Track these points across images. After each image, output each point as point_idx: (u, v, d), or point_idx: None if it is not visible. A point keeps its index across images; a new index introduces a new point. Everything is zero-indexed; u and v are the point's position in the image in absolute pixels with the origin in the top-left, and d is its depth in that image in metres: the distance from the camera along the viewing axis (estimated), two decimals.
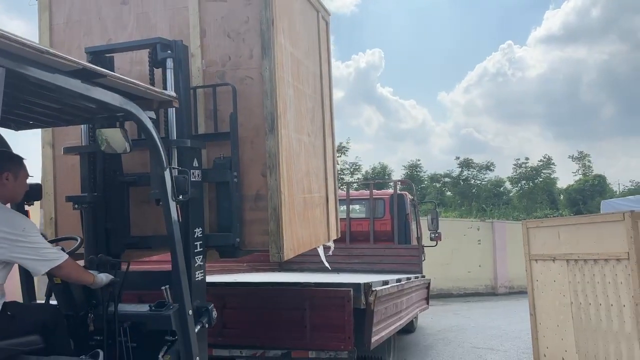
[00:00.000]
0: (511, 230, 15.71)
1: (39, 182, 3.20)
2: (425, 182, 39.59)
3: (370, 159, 62.72)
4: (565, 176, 60.53)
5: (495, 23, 67.26)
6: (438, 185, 39.35)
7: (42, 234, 2.65)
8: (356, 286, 3.95)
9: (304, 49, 4.11)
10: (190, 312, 2.75)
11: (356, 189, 10.05)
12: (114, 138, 2.50)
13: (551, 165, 37.35)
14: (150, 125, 2.55)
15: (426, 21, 70.40)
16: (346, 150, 28.74)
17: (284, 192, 3.33)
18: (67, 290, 2.73)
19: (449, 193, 39.84)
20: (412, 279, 6.35)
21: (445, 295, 14.47)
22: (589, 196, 32.06)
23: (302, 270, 6.97)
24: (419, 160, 39.98)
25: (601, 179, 33.92)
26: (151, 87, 2.66)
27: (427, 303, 7.77)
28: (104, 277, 2.71)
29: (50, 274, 2.61)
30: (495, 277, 16.10)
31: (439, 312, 11.01)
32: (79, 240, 3.01)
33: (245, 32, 3.37)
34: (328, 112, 4.74)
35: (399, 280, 5.44)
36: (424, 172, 39.11)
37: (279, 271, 7.10)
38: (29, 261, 2.40)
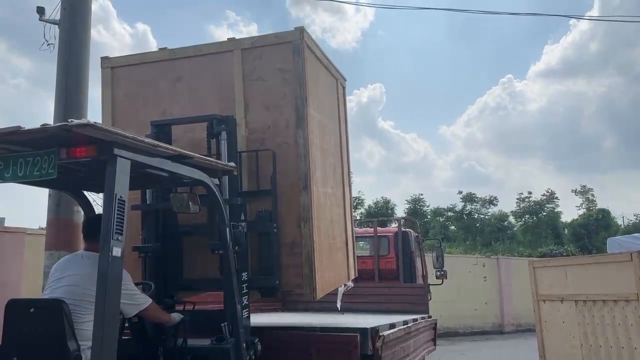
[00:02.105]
0: (517, 267, 15.91)
1: None
2: (429, 217, 40.03)
3: (372, 192, 63.52)
4: (569, 210, 60.99)
5: (495, 58, 69.08)
6: (441, 219, 39.78)
7: None
8: (363, 331, 3.92)
9: (328, 113, 4.77)
10: (244, 345, 3.27)
11: (359, 226, 10.14)
12: (185, 201, 3.10)
13: (555, 200, 37.84)
14: (216, 189, 3.15)
15: (426, 56, 72.36)
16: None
17: (315, 239, 3.90)
18: (142, 327, 3.27)
19: (452, 227, 40.18)
20: (418, 320, 6.26)
21: (452, 334, 14.44)
22: (593, 230, 32.35)
23: (306, 310, 6.92)
24: (421, 194, 40.61)
25: (605, 213, 34.23)
26: (218, 160, 3.29)
27: (434, 344, 7.50)
28: (177, 317, 3.24)
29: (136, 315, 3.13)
30: (502, 314, 16.18)
31: (446, 353, 10.80)
32: (152, 286, 3.56)
33: (282, 106, 4.02)
34: (346, 165, 5.36)
35: (405, 322, 5.35)
36: (427, 207, 39.60)
37: (283, 311, 7.11)
38: (126, 305, 2.84)
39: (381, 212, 31.69)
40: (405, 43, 73.19)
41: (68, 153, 2.25)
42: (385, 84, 68.96)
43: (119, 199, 2.24)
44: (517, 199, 38.61)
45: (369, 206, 35.38)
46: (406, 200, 39.78)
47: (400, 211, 39.44)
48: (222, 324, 3.22)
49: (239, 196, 3.74)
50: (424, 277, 8.23)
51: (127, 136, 2.31)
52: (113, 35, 53.99)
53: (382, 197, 38.41)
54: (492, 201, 38.98)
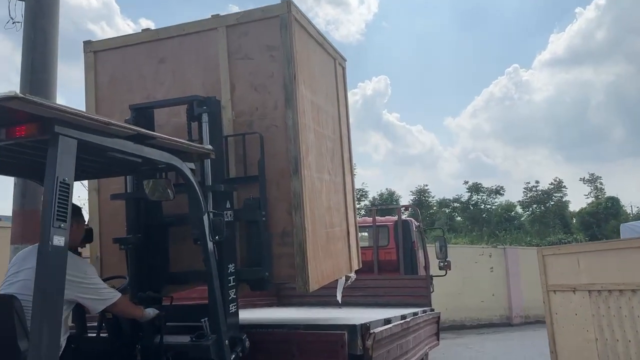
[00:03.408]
0: (524, 256, 15.64)
1: (90, 226, 3.53)
2: (434, 208, 39.68)
3: (378, 185, 63.11)
4: (577, 199, 60.33)
5: (500, 48, 68.44)
6: (447, 210, 39.41)
7: None
8: (351, 328, 3.52)
9: (323, 95, 4.49)
10: (227, 342, 3.03)
11: (362, 216, 9.86)
12: (159, 187, 2.85)
13: (562, 189, 37.36)
14: (190, 175, 2.89)
15: (431, 47, 71.75)
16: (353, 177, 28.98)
17: (308, 228, 3.64)
18: (117, 323, 3.04)
19: (458, 218, 39.83)
20: (419, 314, 5.95)
21: (458, 327, 14.16)
22: (603, 219, 31.90)
23: (302, 304, 6.64)
24: (426, 185, 40.16)
25: (614, 201, 33.76)
26: (191, 142, 3.03)
27: (438, 339, 7.14)
28: (151, 312, 3.01)
29: (105, 311, 2.92)
30: (510, 306, 15.89)
31: (451, 346, 10.54)
32: (127, 280, 3.33)
33: (270, 86, 3.76)
34: (347, 150, 5.09)
35: (404, 317, 5.03)
36: (432, 198, 39.21)
37: (278, 306, 6.85)
38: (90, 300, 2.69)
39: (383, 204, 31.29)
40: (410, 34, 72.68)
41: (7, 133, 2.05)
42: (390, 76, 68.70)
43: (61, 182, 2.02)
44: (524, 188, 38.21)
45: (373, 198, 35.09)
46: (411, 192, 39.47)
47: (405, 202, 39.22)
48: (202, 320, 2.98)
49: (225, 183, 3.48)
50: (426, 268, 7.92)
51: (69, 112, 2.08)
52: (117, 32, 53.92)
53: (386, 189, 38.14)
54: (498, 191, 38.55)
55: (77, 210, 2.91)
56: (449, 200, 40.07)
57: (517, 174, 55.91)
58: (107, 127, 2.30)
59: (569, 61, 58.25)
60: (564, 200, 37.27)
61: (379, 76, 70.77)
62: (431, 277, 7.87)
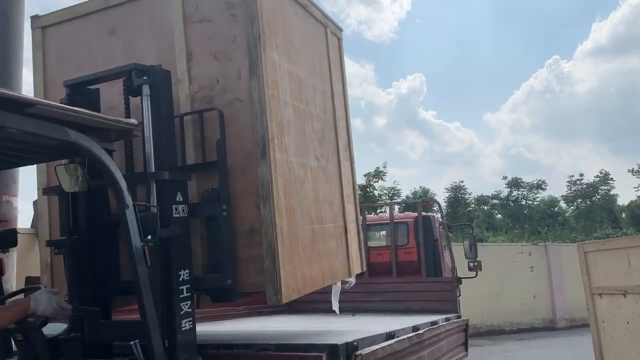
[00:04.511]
0: (568, 254, 14.43)
1: (14, 227, 2.97)
2: (472, 205, 38.13)
3: (414, 184, 61.39)
4: (626, 192, 57.05)
5: (539, 39, 65.71)
6: (486, 207, 37.78)
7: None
8: (332, 349, 2.86)
9: (308, 67, 3.79)
10: None
11: (380, 213, 9.14)
12: (72, 174, 2.23)
13: (609, 181, 35.17)
14: (105, 157, 2.26)
15: (467, 42, 69.69)
16: (383, 175, 28.09)
17: (281, 224, 2.95)
18: (31, 347, 2.42)
19: (499, 216, 38.13)
20: (440, 323, 5.22)
21: (496, 332, 13.12)
22: None
23: (314, 311, 5.96)
24: (462, 181, 38.65)
25: None
26: (102, 115, 2.38)
27: (466, 349, 6.32)
28: (44, 299, 2.36)
29: (10, 333, 2.32)
30: (554, 308, 14.64)
31: (485, 355, 9.61)
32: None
33: (232, 52, 3.09)
34: (344, 134, 4.37)
35: (416, 329, 4.25)
36: (469, 195, 37.63)
37: (289, 313, 6.24)
38: None
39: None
40: (445, 29, 70.93)
41: None
42: (425, 74, 67.21)
43: None
44: (568, 182, 36.27)
45: (407, 196, 33.92)
46: (445, 189, 38.05)
47: (440, 200, 37.85)
48: (132, 342, 2.33)
49: (174, 170, 2.83)
50: (452, 269, 7.07)
51: None
52: None
53: (420, 187, 36.85)
54: (540, 185, 36.72)
55: None
56: (487, 197, 38.44)
57: (561, 168, 53.62)
58: None
59: (612, 50, 55.34)
60: (611, 193, 35.08)
61: (414, 74, 69.19)
62: (459, 279, 7.04)
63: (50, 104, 2.03)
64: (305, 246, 3.27)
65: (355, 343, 2.97)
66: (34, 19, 3.75)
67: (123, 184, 2.32)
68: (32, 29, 3.75)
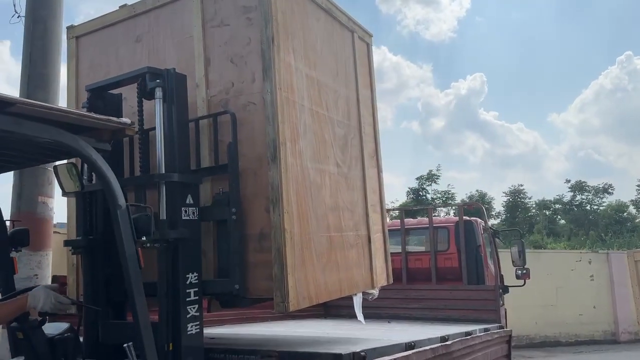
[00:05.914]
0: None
1: (26, 227, 3.09)
2: (533, 210, 36.36)
3: (473, 187, 59.53)
4: None
5: (609, 34, 61.57)
6: (548, 212, 35.90)
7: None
8: (335, 358, 2.76)
9: (331, 71, 3.72)
10: None
11: (408, 216, 8.74)
12: (68, 175, 2.30)
13: None
14: (96, 157, 2.27)
15: (530, 39, 66.63)
16: (437, 178, 27.33)
17: (291, 229, 2.90)
18: (32, 346, 2.51)
19: (562, 221, 36.16)
20: (476, 333, 4.94)
21: (552, 344, 12.39)
22: None
23: (350, 316, 5.60)
24: (521, 185, 36.87)
25: None
26: (93, 114, 2.41)
27: None
28: (41, 294, 2.38)
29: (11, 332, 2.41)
30: (616, 320, 13.60)
31: None
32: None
33: (247, 55, 3.08)
34: (371, 141, 4.26)
35: (444, 339, 4.05)
36: (529, 199, 35.84)
37: (324, 318, 6.09)
38: None
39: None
40: (507, 27, 68.30)
41: None
42: (486, 73, 65.00)
43: None
44: (638, 186, 33.72)
45: (462, 200, 32.85)
46: (504, 193, 36.48)
47: (498, 205, 36.39)
48: (125, 345, 2.36)
49: (186, 173, 2.85)
50: (500, 277, 6.69)
51: None
52: None
53: (477, 191, 35.58)
54: (607, 189, 34.45)
55: None
56: (549, 201, 36.54)
57: (634, 172, 49.89)
58: None
59: None
60: None
61: (474, 74, 67.23)
62: (504, 287, 6.73)
63: (34, 102, 2.06)
64: (320, 254, 3.20)
65: (362, 353, 2.87)
66: (69, 29, 3.93)
67: (115, 185, 2.34)
68: (67, 38, 3.94)
